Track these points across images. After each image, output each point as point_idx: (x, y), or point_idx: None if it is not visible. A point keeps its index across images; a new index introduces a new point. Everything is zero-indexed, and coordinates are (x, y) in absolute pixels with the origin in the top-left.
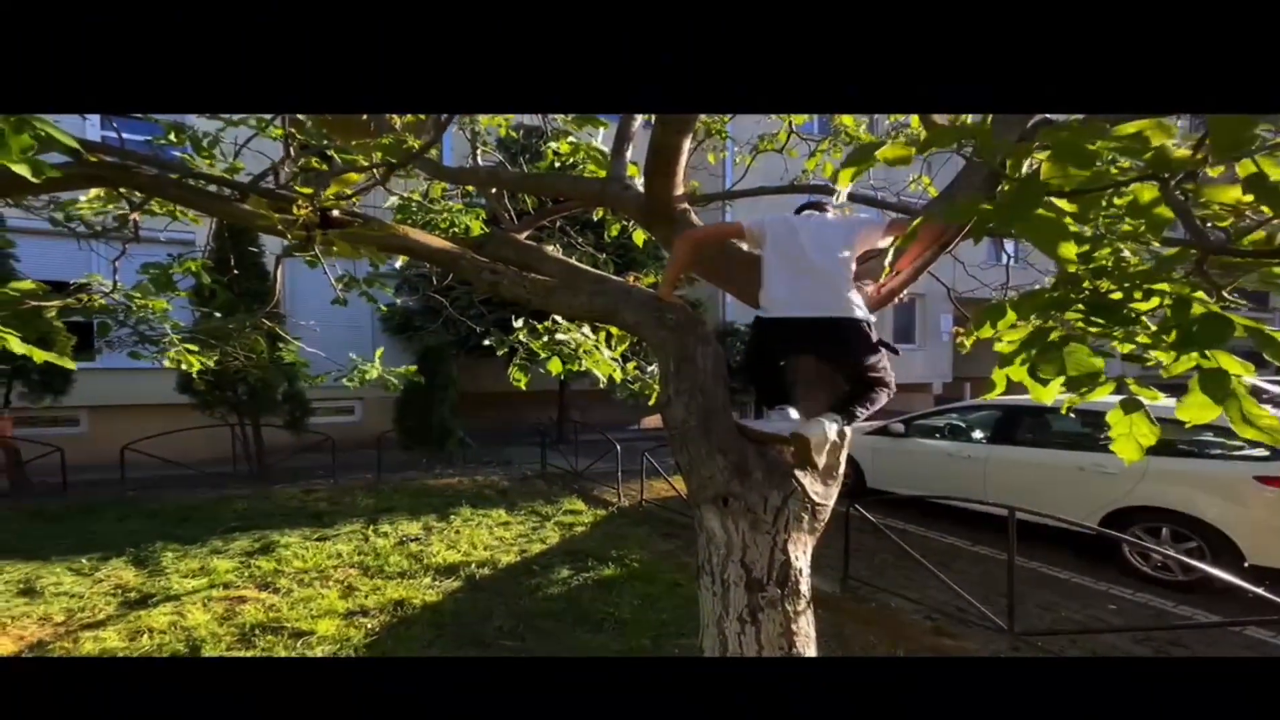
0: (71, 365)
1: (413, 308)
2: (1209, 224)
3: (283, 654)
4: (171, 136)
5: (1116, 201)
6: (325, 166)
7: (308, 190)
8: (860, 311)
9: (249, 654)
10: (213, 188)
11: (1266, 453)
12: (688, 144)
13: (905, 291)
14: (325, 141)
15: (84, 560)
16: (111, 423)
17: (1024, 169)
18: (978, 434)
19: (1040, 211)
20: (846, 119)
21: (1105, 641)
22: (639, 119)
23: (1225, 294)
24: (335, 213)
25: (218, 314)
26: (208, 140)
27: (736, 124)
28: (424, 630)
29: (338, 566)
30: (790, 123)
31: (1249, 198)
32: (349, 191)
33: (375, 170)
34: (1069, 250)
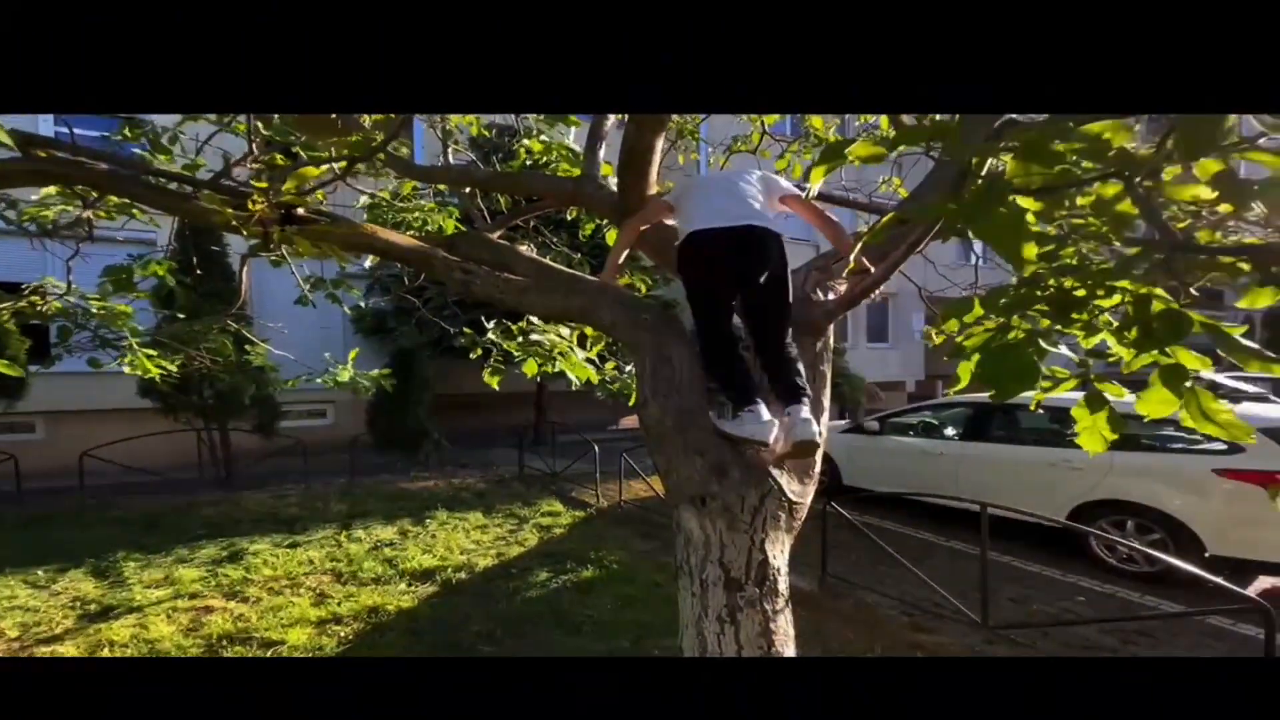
0: (19, 373)
1: (385, 308)
2: (1170, 221)
3: None
4: (126, 132)
5: (1080, 200)
6: (290, 163)
7: (263, 185)
8: (776, 228)
9: None
10: (174, 186)
11: (1225, 446)
12: (661, 144)
13: (878, 292)
14: (292, 138)
15: (40, 572)
16: (70, 428)
17: (990, 168)
18: (950, 431)
19: (1003, 210)
20: (816, 121)
21: (1076, 633)
22: (611, 118)
23: (1192, 291)
24: (300, 210)
25: (181, 315)
26: (166, 136)
27: (708, 125)
28: (399, 637)
29: (309, 573)
30: (762, 124)
31: (1210, 195)
32: (309, 185)
33: (335, 166)
34: (1030, 251)
